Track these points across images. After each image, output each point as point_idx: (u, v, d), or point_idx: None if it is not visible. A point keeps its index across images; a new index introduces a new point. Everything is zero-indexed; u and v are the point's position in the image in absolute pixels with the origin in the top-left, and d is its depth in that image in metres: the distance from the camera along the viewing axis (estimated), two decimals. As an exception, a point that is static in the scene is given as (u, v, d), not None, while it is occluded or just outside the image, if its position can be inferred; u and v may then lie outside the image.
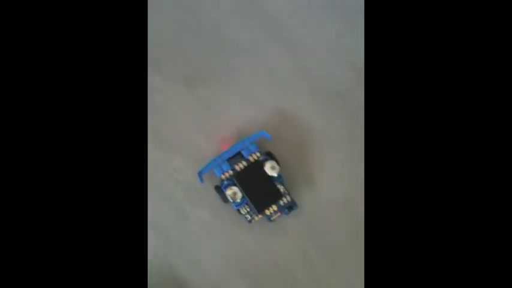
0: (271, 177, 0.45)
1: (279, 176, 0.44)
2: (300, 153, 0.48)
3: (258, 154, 0.45)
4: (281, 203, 0.45)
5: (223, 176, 0.44)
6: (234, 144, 0.45)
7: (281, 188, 0.45)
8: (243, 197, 0.44)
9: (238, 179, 0.44)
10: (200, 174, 0.44)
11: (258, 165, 0.45)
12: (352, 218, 0.47)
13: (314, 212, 0.47)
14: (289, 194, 0.45)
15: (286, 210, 0.45)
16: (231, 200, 0.44)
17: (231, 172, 0.44)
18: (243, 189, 0.44)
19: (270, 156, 0.45)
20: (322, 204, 0.47)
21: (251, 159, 0.45)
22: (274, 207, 0.45)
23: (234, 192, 0.44)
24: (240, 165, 0.45)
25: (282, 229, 0.47)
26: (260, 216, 0.45)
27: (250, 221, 0.44)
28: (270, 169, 0.45)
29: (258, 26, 0.51)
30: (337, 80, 0.50)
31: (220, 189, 0.45)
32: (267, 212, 0.44)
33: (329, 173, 0.48)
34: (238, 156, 0.45)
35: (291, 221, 0.46)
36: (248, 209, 0.44)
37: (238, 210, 0.44)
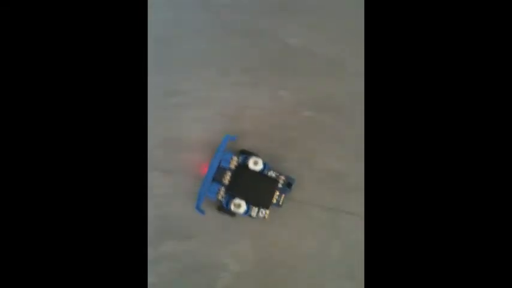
0: (259, 171, 0.45)
1: (265, 164, 0.45)
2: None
3: (235, 158, 0.46)
4: (279, 186, 0.46)
5: (219, 196, 0.45)
6: (210, 163, 0.46)
7: (272, 174, 0.46)
8: (246, 203, 0.45)
9: (233, 189, 0.45)
10: (198, 208, 0.44)
11: (242, 167, 0.46)
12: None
13: (312, 176, 0.49)
14: (281, 174, 0.46)
15: (287, 188, 0.46)
16: (239, 212, 0.44)
17: (223, 188, 0.45)
18: (242, 196, 0.45)
19: (246, 153, 0.46)
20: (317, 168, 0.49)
21: (232, 166, 0.45)
22: (277, 193, 0.46)
23: (237, 204, 0.45)
24: (227, 177, 0.45)
25: (295, 204, 0.48)
26: (269, 210, 0.46)
27: (264, 217, 0.45)
28: (254, 165, 0.45)
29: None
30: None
31: (223, 208, 0.46)
32: (273, 201, 0.46)
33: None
34: (220, 170, 0.45)
35: (297, 193, 0.48)
36: (257, 210, 0.45)
37: (250, 216, 0.45)
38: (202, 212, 0.45)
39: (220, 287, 0.46)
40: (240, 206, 0.44)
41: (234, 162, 0.46)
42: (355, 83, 0.49)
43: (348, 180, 0.48)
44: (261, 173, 0.46)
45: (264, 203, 0.46)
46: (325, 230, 0.48)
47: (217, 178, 0.46)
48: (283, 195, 0.47)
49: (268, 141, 0.48)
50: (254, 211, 0.46)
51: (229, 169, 0.45)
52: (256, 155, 0.46)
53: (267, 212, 0.46)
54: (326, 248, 0.48)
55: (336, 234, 0.48)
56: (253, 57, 0.49)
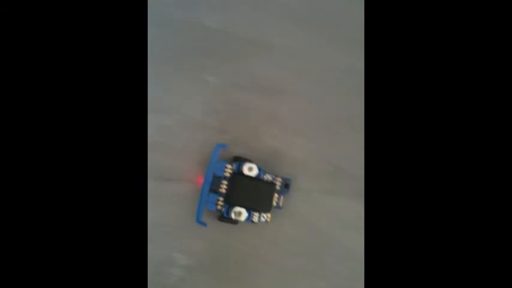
0: (255, 177, 0.45)
1: (260, 169, 0.45)
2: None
3: (229, 166, 0.46)
4: (277, 188, 0.46)
5: (218, 207, 0.45)
6: (205, 174, 0.45)
7: (269, 177, 0.46)
8: (247, 210, 0.45)
9: (231, 198, 0.45)
10: (199, 220, 0.44)
11: (237, 174, 0.45)
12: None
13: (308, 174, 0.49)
14: (277, 175, 0.46)
15: (285, 189, 0.46)
16: (240, 219, 0.44)
17: (221, 198, 0.45)
18: (242, 204, 0.45)
19: (239, 160, 0.46)
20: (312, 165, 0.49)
21: (227, 174, 0.45)
22: (276, 196, 0.46)
23: (237, 212, 0.45)
24: (224, 186, 0.45)
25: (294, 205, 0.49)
26: (270, 213, 0.46)
27: (266, 222, 0.45)
28: (249, 171, 0.45)
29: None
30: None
31: (224, 218, 0.45)
32: (274, 204, 0.46)
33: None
34: (216, 180, 0.45)
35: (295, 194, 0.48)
36: (258, 215, 0.45)
37: (252, 221, 0.45)
38: (203, 224, 0.44)
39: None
40: (240, 213, 0.44)
41: (228, 170, 0.45)
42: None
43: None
44: (257, 178, 0.46)
45: (265, 208, 0.46)
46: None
47: (214, 189, 0.45)
48: (282, 197, 0.47)
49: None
50: (256, 217, 0.46)
51: (225, 178, 0.45)
52: (250, 161, 0.45)
53: (269, 215, 0.46)
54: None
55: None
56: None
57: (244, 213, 0.45)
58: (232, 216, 0.44)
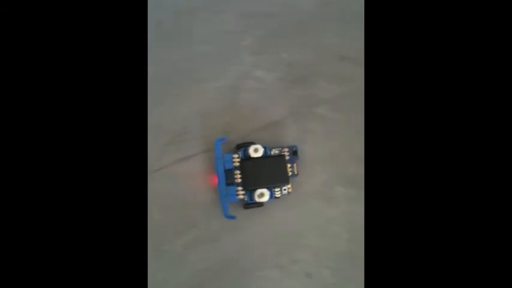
0: (263, 156, 0.46)
1: (265, 148, 0.46)
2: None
3: (235, 155, 0.46)
4: (287, 158, 0.47)
5: (240, 196, 0.45)
6: (217, 171, 0.46)
7: (276, 151, 0.47)
8: (268, 189, 0.45)
9: (249, 183, 0.46)
10: (227, 215, 0.45)
11: (245, 160, 0.46)
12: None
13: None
14: (283, 147, 0.47)
15: (294, 156, 0.47)
16: (264, 200, 0.45)
17: (239, 188, 0.46)
18: (261, 185, 0.46)
19: (243, 146, 0.46)
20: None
21: (236, 163, 0.46)
22: (288, 165, 0.47)
23: (259, 194, 0.45)
24: (238, 176, 0.46)
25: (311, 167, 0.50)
26: (290, 184, 0.47)
27: (289, 193, 0.46)
28: (255, 152, 0.46)
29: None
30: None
31: (249, 204, 0.46)
32: (289, 174, 0.47)
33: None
34: (228, 173, 0.46)
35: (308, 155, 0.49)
36: (279, 189, 0.46)
37: (276, 197, 0.46)
38: (232, 217, 0.45)
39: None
40: (263, 194, 0.45)
41: (236, 160, 0.46)
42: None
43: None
44: (265, 156, 0.47)
45: (283, 180, 0.47)
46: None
47: (230, 181, 0.46)
48: (295, 165, 0.48)
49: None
50: (277, 192, 0.46)
51: (236, 168, 0.46)
52: (253, 143, 0.46)
53: (289, 186, 0.47)
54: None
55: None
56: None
57: (266, 193, 0.46)
58: (256, 199, 0.45)
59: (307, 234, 0.48)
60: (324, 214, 0.49)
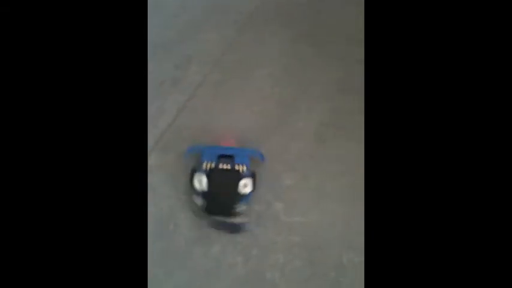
0: (239, 193, 0.47)
1: (247, 195, 0.47)
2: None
3: (245, 168, 0.48)
4: (231, 220, 0.48)
5: (204, 166, 0.46)
6: (234, 148, 0.47)
7: (240, 208, 0.48)
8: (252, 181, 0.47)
9: (211, 175, 0.47)
10: (190, 151, 0.46)
11: (236, 176, 0.47)
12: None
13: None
14: (242, 216, 0.48)
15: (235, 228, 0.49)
16: (196, 186, 0.47)
17: (213, 165, 0.47)
18: (211, 189, 0.47)
19: (253, 176, 0.47)
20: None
21: (237, 167, 0.47)
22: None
23: (199, 180, 0.47)
24: (224, 166, 0.47)
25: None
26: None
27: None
28: (243, 186, 0.47)
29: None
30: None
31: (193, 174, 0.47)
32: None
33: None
34: (228, 158, 0.47)
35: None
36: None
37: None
38: (187, 156, 0.46)
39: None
40: (201, 183, 0.47)
41: (240, 167, 0.47)
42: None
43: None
44: (237, 194, 0.48)
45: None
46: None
47: (220, 159, 0.47)
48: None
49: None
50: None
51: (232, 166, 0.47)
52: (254, 185, 0.48)
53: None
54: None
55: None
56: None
57: (204, 185, 0.47)
58: (196, 181, 0.47)
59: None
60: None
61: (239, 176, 0.47)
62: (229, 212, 0.47)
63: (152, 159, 0.72)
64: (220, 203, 0.47)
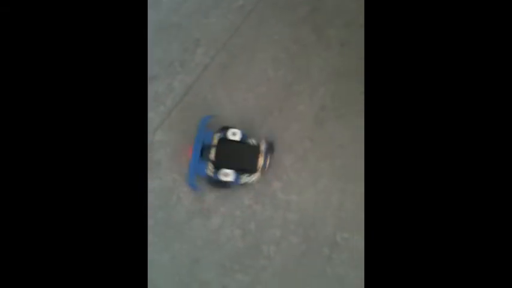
0: (240, 141, 0.50)
1: (244, 134, 0.49)
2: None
3: (217, 134, 0.50)
4: (262, 150, 0.50)
5: (208, 172, 0.49)
6: (195, 143, 0.50)
7: (253, 141, 0.50)
8: (235, 171, 0.49)
9: (219, 162, 0.49)
10: (191, 184, 0.48)
11: (224, 141, 0.50)
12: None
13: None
14: (261, 140, 0.50)
15: (270, 151, 0.50)
16: (227, 179, 0.48)
17: (210, 164, 0.49)
18: (229, 166, 0.49)
19: (225, 128, 0.50)
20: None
21: (215, 142, 0.49)
22: (261, 159, 0.50)
23: (224, 173, 0.49)
24: (212, 153, 0.50)
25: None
26: (257, 174, 0.50)
27: (253, 182, 0.50)
28: (233, 135, 0.50)
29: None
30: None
31: (215, 182, 0.50)
32: (261, 163, 0.50)
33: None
34: (205, 149, 0.50)
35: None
36: (246, 176, 0.49)
37: (245, 183, 0.49)
38: (196, 187, 0.48)
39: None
40: (227, 174, 0.49)
41: (215, 139, 0.49)
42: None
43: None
44: (241, 142, 0.50)
45: (251, 169, 0.50)
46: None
47: (204, 156, 0.49)
48: (268, 158, 0.51)
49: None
50: (243, 179, 0.50)
51: (213, 146, 0.49)
52: (234, 127, 0.49)
53: (256, 175, 0.50)
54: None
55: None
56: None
57: (231, 175, 0.49)
58: (222, 178, 0.49)
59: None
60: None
61: (225, 140, 0.49)
62: (255, 151, 0.48)
63: (159, 135, 0.76)
64: (247, 160, 0.48)
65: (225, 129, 0.52)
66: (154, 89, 0.80)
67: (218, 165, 0.51)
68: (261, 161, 0.53)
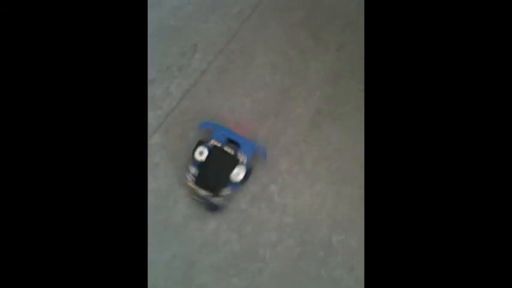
0: (230, 179, 0.52)
1: (235, 184, 0.51)
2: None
3: (245, 160, 0.52)
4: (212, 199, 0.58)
5: (212, 142, 0.51)
6: (243, 138, 0.51)
7: (225, 191, 0.53)
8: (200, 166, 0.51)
9: (213, 151, 0.51)
10: (204, 125, 0.50)
11: (234, 162, 0.51)
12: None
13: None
14: (223, 198, 0.58)
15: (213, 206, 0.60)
16: (196, 156, 0.51)
17: (219, 145, 0.51)
18: (207, 164, 0.51)
19: (248, 170, 0.51)
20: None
21: (239, 156, 0.51)
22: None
23: (201, 151, 0.51)
24: (228, 150, 0.51)
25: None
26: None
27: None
28: (236, 174, 0.51)
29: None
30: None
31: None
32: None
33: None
34: (234, 144, 0.51)
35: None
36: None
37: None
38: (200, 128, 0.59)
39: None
40: (201, 154, 0.51)
41: (242, 157, 0.52)
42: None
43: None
44: (229, 180, 0.59)
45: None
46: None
47: (228, 141, 0.58)
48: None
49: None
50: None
51: (234, 153, 0.51)
52: (247, 176, 0.61)
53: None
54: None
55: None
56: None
57: (204, 156, 0.52)
58: (196, 156, 0.51)
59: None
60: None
61: (236, 163, 0.50)
62: (215, 190, 0.52)
63: (156, 139, 0.77)
64: (209, 179, 0.51)
65: (249, 170, 0.53)
66: (151, 92, 0.82)
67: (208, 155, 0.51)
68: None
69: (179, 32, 0.86)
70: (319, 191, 0.74)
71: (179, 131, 0.75)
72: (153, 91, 0.81)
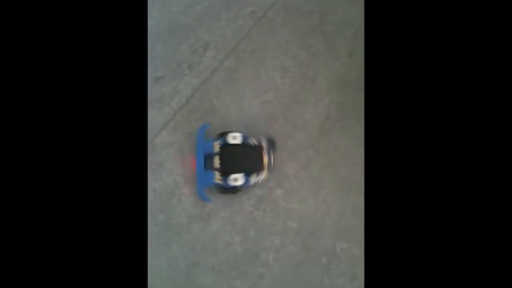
0: (242, 144, 0.50)
1: (245, 138, 0.49)
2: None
3: (217, 142, 0.50)
4: (264, 149, 0.49)
5: (216, 180, 0.48)
6: (197, 155, 0.49)
7: (254, 141, 0.50)
8: (243, 175, 0.49)
9: (226, 168, 0.49)
10: (201, 196, 0.48)
11: (226, 147, 0.50)
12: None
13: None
14: (261, 138, 0.49)
15: (272, 148, 0.50)
16: (238, 183, 0.48)
17: (217, 172, 0.49)
18: (237, 170, 0.49)
19: (224, 134, 0.50)
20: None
21: (217, 149, 0.49)
22: (265, 157, 0.50)
23: (233, 178, 0.49)
24: (216, 161, 0.50)
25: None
26: (265, 172, 0.50)
27: (262, 180, 0.49)
28: (233, 139, 0.49)
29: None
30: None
31: (225, 188, 0.49)
32: (266, 160, 0.50)
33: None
34: (208, 158, 0.49)
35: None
36: (255, 176, 0.49)
37: (255, 183, 0.49)
38: (207, 199, 0.48)
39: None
40: (237, 179, 0.48)
41: (216, 146, 0.49)
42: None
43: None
44: (243, 144, 0.50)
45: (258, 169, 0.50)
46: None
47: (208, 165, 0.49)
48: (272, 154, 0.51)
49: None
50: (253, 179, 0.49)
51: (215, 154, 0.49)
52: (232, 131, 0.49)
53: (265, 173, 0.49)
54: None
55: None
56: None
57: (240, 178, 0.49)
58: (232, 183, 0.48)
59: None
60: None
61: (227, 146, 0.48)
62: (258, 152, 0.48)
63: (163, 137, 0.76)
64: (252, 161, 0.48)
65: (225, 134, 0.52)
66: (160, 90, 0.80)
67: (225, 172, 0.50)
68: (265, 158, 0.53)
69: (191, 29, 0.85)
70: (324, 198, 0.74)
71: (187, 130, 0.72)
72: (162, 88, 0.80)
